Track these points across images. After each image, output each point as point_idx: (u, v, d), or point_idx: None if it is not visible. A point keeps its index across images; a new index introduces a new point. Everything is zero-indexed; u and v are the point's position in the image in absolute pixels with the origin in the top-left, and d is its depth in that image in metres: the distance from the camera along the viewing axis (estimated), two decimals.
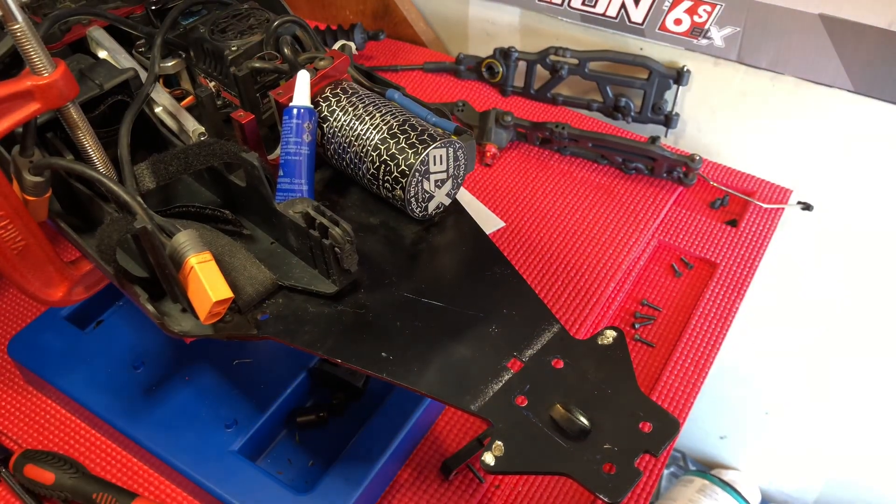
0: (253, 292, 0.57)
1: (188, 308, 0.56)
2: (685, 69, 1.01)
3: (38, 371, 0.74)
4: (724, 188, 1.00)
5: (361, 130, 0.62)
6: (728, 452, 1.52)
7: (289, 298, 0.59)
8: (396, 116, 0.62)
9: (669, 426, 0.49)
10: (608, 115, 1.10)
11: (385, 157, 0.60)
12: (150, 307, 0.55)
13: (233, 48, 0.67)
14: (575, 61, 1.07)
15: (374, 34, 1.19)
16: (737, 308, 0.88)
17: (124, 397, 0.72)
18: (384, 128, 0.61)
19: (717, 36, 0.98)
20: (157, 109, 0.68)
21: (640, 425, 0.49)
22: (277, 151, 0.64)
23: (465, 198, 0.98)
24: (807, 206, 0.99)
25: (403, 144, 0.60)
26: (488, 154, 1.03)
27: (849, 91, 0.93)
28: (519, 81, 1.14)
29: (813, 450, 1.40)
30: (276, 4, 0.76)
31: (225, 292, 0.53)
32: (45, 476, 0.69)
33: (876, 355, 1.19)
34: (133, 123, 0.62)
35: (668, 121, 1.07)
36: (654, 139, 0.98)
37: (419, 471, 0.72)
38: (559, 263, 0.91)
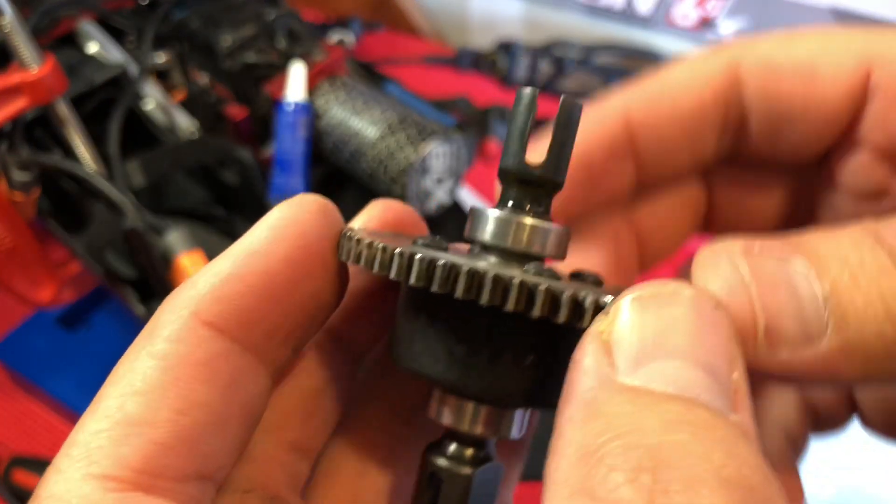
0: None
1: None
2: None
3: (28, 374, 0.73)
4: None
5: (359, 126, 0.60)
6: None
7: None
8: (395, 111, 0.60)
9: None
10: None
11: (384, 153, 0.59)
12: (140, 308, 0.54)
13: (226, 41, 0.66)
14: (580, 55, 1.05)
15: (373, 26, 1.17)
16: None
17: None
18: (383, 123, 0.60)
19: (727, 29, 0.96)
20: (149, 105, 0.66)
21: None
22: (272, 147, 0.62)
23: (465, 195, 0.96)
24: None
25: (402, 140, 0.58)
26: (489, 150, 1.01)
27: None
28: (522, 75, 1.12)
29: (814, 450, 1.39)
30: None
31: None
32: (35, 482, 0.67)
33: None
34: (124, 119, 0.61)
35: None
36: None
37: None
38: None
